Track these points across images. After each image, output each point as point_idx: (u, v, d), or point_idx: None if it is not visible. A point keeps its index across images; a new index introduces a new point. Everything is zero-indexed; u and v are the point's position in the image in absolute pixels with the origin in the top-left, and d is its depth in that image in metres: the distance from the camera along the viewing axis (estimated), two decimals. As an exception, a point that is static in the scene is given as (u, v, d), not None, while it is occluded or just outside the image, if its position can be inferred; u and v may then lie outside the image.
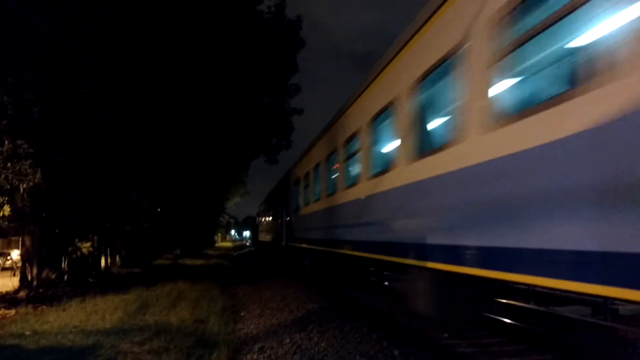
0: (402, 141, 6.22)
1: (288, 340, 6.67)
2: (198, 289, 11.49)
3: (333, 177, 10.34)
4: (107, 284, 12.38)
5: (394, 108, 6.45)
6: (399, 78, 6.34)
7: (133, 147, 12.80)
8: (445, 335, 6.49)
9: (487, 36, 4.17)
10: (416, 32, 5.82)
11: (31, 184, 9.08)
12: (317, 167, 11.87)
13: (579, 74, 3.31)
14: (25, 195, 9.91)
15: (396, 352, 5.86)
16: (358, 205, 8.10)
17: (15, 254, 21.26)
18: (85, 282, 12.64)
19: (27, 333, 6.86)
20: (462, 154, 4.54)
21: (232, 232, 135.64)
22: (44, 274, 11.23)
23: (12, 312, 8.95)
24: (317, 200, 11.78)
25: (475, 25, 4.36)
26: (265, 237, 29.89)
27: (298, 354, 6.03)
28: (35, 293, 10.61)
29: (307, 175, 13.37)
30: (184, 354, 5.78)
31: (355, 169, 8.60)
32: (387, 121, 7.06)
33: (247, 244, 75.83)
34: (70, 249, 12.44)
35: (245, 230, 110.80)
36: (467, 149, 4.48)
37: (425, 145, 5.65)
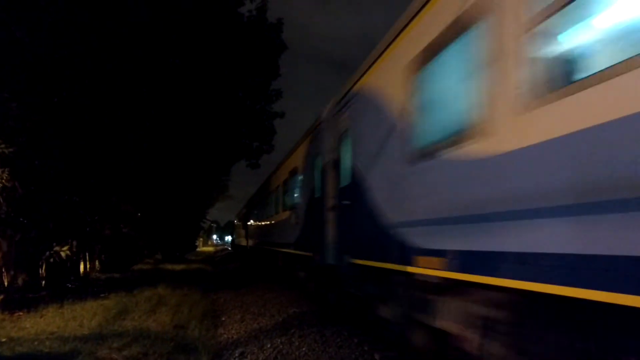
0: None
1: (269, 345, 6.68)
2: (178, 294, 11.39)
3: (260, 209, 21.88)
4: (86, 289, 12.19)
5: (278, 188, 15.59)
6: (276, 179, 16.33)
7: (113, 151, 12.64)
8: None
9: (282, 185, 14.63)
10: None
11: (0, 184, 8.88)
12: (257, 202, 24.03)
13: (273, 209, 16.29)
14: (1, 199, 9.70)
15: (377, 357, 5.92)
16: (262, 227, 20.26)
17: (-9, 259, 20.77)
18: (64, 288, 12.41)
19: (3, 340, 6.74)
20: (280, 216, 14.57)
21: (214, 236, 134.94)
22: (21, 279, 10.99)
23: (-13, 318, 8.76)
24: (258, 220, 23.01)
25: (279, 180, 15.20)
26: (240, 241, 40.38)
27: (279, 359, 6.04)
28: (12, 298, 10.39)
29: (255, 203, 24.85)
30: (163, 359, 5.74)
31: (265, 210, 19.27)
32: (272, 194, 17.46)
33: (229, 248, 75.79)
34: (48, 253, 12.20)
35: (227, 235, 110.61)
36: (279, 215, 14.91)
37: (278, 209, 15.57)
